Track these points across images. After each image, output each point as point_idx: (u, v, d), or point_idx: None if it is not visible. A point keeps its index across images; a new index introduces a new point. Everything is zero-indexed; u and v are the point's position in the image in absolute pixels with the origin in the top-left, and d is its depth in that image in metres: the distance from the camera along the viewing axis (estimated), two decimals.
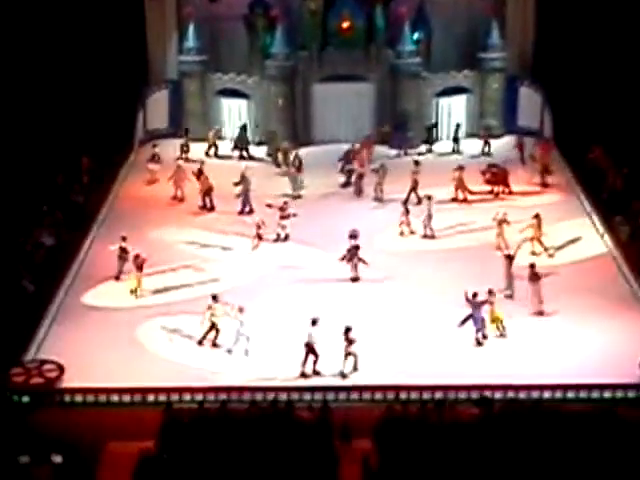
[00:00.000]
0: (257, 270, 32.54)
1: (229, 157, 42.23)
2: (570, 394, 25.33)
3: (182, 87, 44.18)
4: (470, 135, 43.83)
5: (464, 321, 28.33)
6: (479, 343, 28.08)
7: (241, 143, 42.58)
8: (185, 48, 43.83)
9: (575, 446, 22.67)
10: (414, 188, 36.80)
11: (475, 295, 28.08)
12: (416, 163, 38.00)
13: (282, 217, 34.25)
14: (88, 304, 30.42)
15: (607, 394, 25.35)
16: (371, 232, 33.93)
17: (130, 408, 25.36)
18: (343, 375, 26.57)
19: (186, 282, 31.58)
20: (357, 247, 31.61)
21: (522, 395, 25.31)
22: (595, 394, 25.33)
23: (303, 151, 40.64)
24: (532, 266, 29.77)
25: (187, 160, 40.51)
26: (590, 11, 42.17)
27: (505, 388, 25.38)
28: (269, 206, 35.14)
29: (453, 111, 44.16)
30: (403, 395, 25.36)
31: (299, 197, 37.66)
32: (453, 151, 42.64)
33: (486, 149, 42.51)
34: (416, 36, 43.44)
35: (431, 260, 33.02)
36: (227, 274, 32.04)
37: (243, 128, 42.99)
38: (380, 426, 23.82)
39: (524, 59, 44.97)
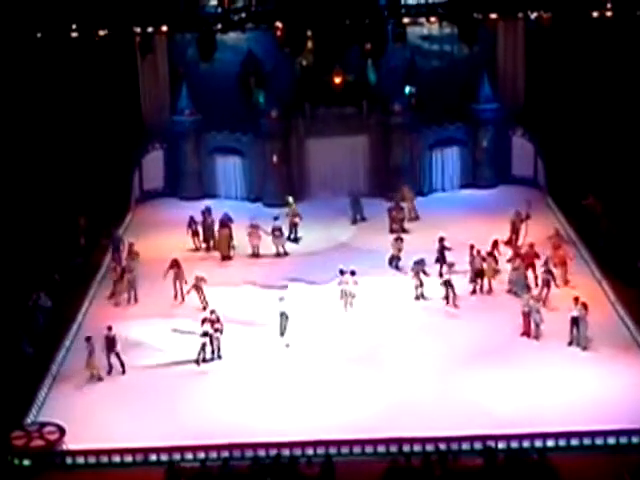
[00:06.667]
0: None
1: None
2: (574, 441, 25.23)
3: (177, 147, 44.49)
4: (463, 186, 44.23)
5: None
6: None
7: None
8: (179, 108, 44.14)
9: None
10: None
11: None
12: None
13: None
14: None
15: (611, 440, 25.26)
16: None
17: (132, 468, 25.23)
18: None
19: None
20: None
21: (526, 444, 25.18)
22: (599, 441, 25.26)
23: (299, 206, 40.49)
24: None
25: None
26: (578, 62, 42.57)
27: (508, 438, 25.24)
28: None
29: (446, 163, 44.50)
30: (406, 447, 25.20)
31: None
32: None
33: None
34: (408, 89, 43.80)
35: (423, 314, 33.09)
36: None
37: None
38: (384, 479, 23.70)
39: (516, 109, 45.28)
